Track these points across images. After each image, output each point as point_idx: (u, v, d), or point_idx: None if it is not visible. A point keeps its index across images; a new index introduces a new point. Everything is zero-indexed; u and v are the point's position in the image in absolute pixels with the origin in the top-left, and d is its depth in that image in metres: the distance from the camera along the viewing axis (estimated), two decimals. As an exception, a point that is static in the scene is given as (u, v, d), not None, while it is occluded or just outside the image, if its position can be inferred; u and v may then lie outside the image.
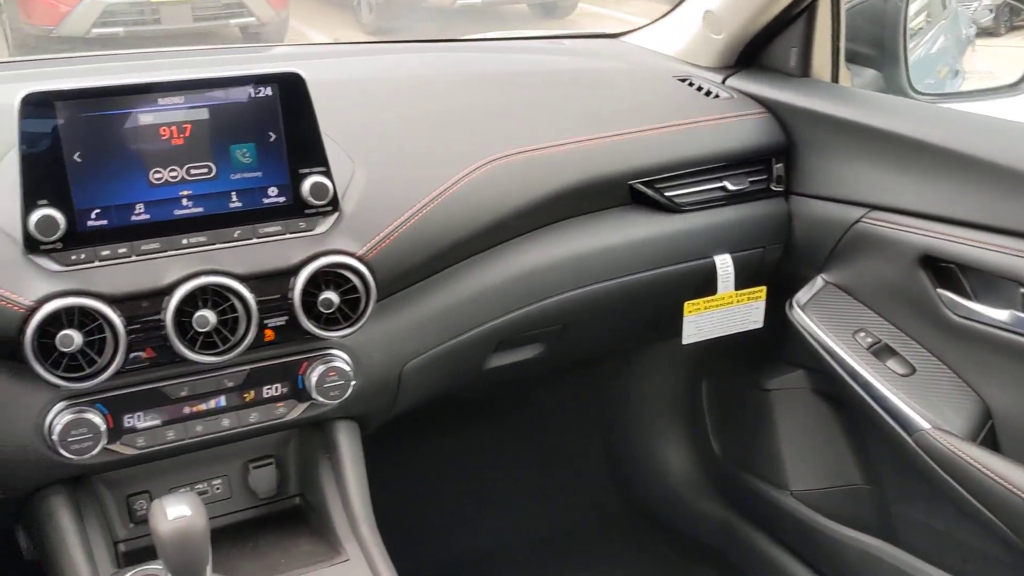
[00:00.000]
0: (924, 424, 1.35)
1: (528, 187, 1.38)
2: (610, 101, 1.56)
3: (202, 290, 1.14)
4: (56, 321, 1.08)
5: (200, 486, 1.33)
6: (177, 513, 1.02)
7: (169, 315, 1.13)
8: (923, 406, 1.37)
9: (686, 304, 1.54)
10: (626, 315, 1.58)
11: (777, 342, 1.69)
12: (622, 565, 1.92)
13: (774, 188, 1.61)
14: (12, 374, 1.12)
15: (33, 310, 1.07)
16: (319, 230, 1.22)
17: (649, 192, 1.50)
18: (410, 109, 1.42)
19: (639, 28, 1.84)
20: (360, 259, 1.22)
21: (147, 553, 1.22)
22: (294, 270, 1.19)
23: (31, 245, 1.09)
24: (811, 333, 1.53)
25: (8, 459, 1.13)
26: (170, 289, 1.13)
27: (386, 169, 1.30)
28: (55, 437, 1.11)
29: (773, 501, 1.73)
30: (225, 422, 1.22)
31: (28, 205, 1.08)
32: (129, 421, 1.17)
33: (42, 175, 1.08)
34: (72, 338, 1.08)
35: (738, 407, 1.82)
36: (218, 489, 1.34)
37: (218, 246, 1.17)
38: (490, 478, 1.94)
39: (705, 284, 1.55)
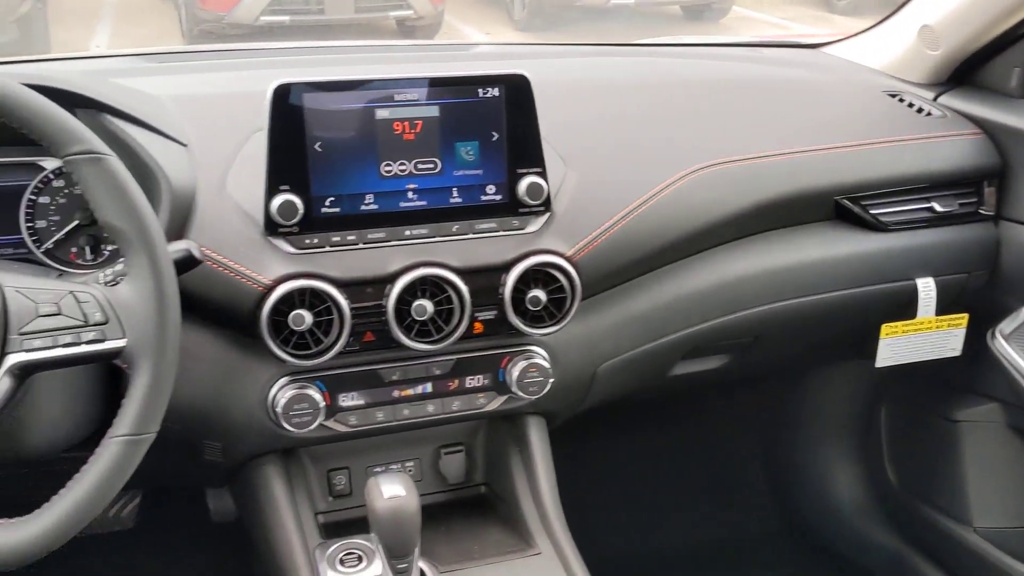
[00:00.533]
0: None
1: (735, 196, 1.37)
2: (818, 113, 1.53)
3: (422, 280, 1.19)
4: (289, 300, 1.14)
5: (394, 466, 1.38)
6: (392, 492, 1.07)
7: (391, 302, 1.18)
8: None
9: (883, 326, 1.50)
10: (819, 332, 1.55)
11: (971, 372, 1.62)
12: None
13: (984, 212, 1.54)
14: (243, 348, 1.19)
15: (270, 289, 1.14)
16: (531, 229, 1.25)
17: (855, 209, 1.46)
18: (620, 112, 1.44)
19: (840, 39, 1.80)
20: (568, 259, 1.24)
21: (344, 527, 1.28)
22: (506, 267, 1.22)
23: (271, 227, 1.16)
24: (1014, 365, 1.46)
25: (233, 427, 1.21)
26: (393, 278, 1.18)
27: (596, 172, 1.32)
28: (279, 410, 1.18)
29: (954, 536, 1.66)
30: (430, 408, 1.27)
31: (271, 190, 1.14)
32: (344, 400, 1.23)
33: (286, 162, 1.14)
34: (304, 317, 1.14)
35: (920, 435, 1.76)
36: (410, 471, 1.39)
37: (437, 239, 1.21)
38: (655, 481, 1.94)
39: (905, 307, 1.51)
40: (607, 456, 1.85)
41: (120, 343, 0.93)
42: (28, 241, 1.23)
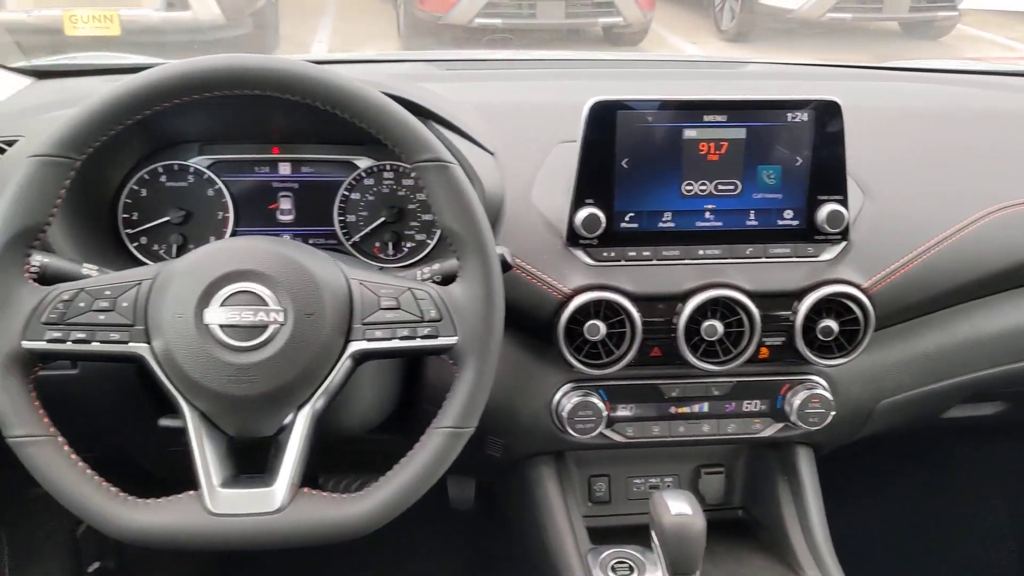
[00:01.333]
0: None
1: None
2: None
3: (714, 301, 1.19)
4: (585, 310, 1.18)
5: (653, 480, 1.39)
6: (679, 509, 1.08)
7: (682, 320, 1.19)
8: None
9: None
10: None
11: None
12: None
13: None
14: (534, 352, 1.24)
15: (569, 298, 1.17)
16: (825, 257, 1.23)
17: None
18: (921, 142, 1.39)
19: None
20: (864, 291, 1.21)
21: (602, 533, 1.31)
22: (798, 294, 1.21)
23: (573, 239, 1.19)
24: None
25: (519, 427, 1.26)
26: (686, 296, 1.19)
27: (896, 203, 1.28)
28: (564, 415, 1.21)
29: None
30: (705, 427, 1.27)
31: (577, 202, 1.18)
32: (622, 410, 1.26)
33: (594, 177, 1.18)
34: (599, 328, 1.17)
35: None
36: (668, 487, 1.39)
37: (729, 261, 1.21)
38: (900, 523, 1.86)
39: None
40: (862, 490, 1.80)
41: (452, 340, 0.99)
42: (339, 233, 1.33)
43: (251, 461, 1.01)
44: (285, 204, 1.33)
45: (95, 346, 0.95)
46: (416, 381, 1.25)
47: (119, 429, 1.25)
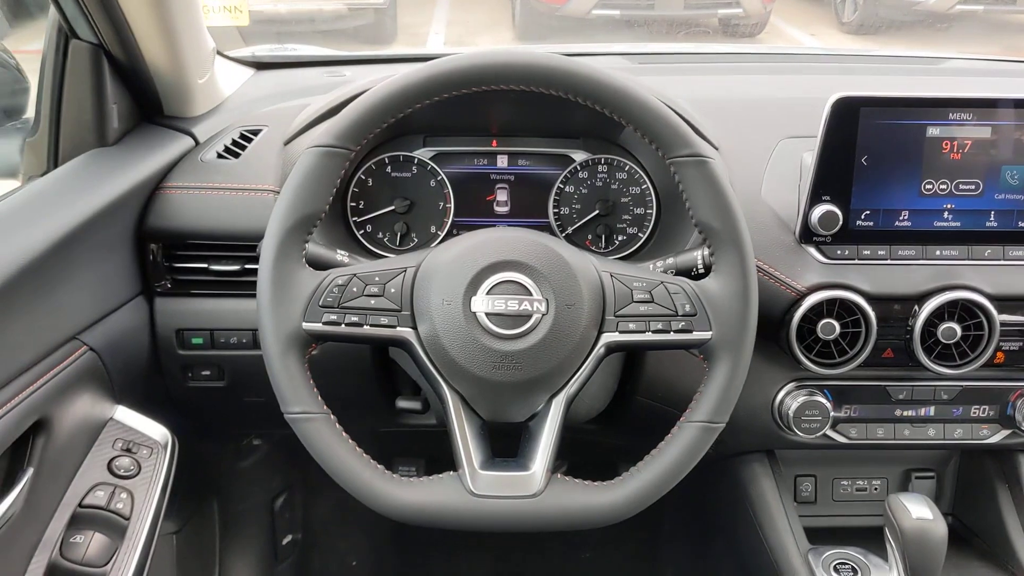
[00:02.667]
0: None
1: None
2: None
3: (952, 304, 1.17)
4: (818, 309, 1.16)
5: (860, 482, 1.37)
6: (920, 514, 1.06)
7: (919, 322, 1.16)
8: None
9: None
10: None
11: None
12: None
13: None
14: (757, 351, 1.22)
15: (803, 296, 1.16)
16: None
17: None
18: None
19: None
20: None
21: (815, 534, 1.29)
22: None
23: (806, 236, 1.18)
24: None
25: (738, 423, 1.24)
26: (923, 297, 1.17)
27: None
28: (789, 413, 1.20)
29: None
30: (931, 431, 1.25)
31: (814, 199, 1.17)
32: (846, 411, 1.24)
33: (832, 174, 1.16)
34: (833, 327, 1.16)
35: None
36: (876, 490, 1.37)
37: (967, 262, 1.19)
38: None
39: None
40: None
41: (707, 335, 0.99)
42: (553, 225, 1.34)
43: (497, 446, 1.03)
44: (502, 196, 1.36)
45: (367, 329, 0.98)
46: (633, 374, 1.25)
47: (349, 410, 1.30)
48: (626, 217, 1.34)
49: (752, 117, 1.34)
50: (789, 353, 1.18)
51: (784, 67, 1.69)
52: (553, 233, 1.35)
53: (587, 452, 1.47)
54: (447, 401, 0.99)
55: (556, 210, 1.34)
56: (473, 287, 0.98)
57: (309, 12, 6.87)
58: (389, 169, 1.34)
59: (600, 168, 1.34)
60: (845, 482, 1.37)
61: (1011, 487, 1.29)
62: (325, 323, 0.98)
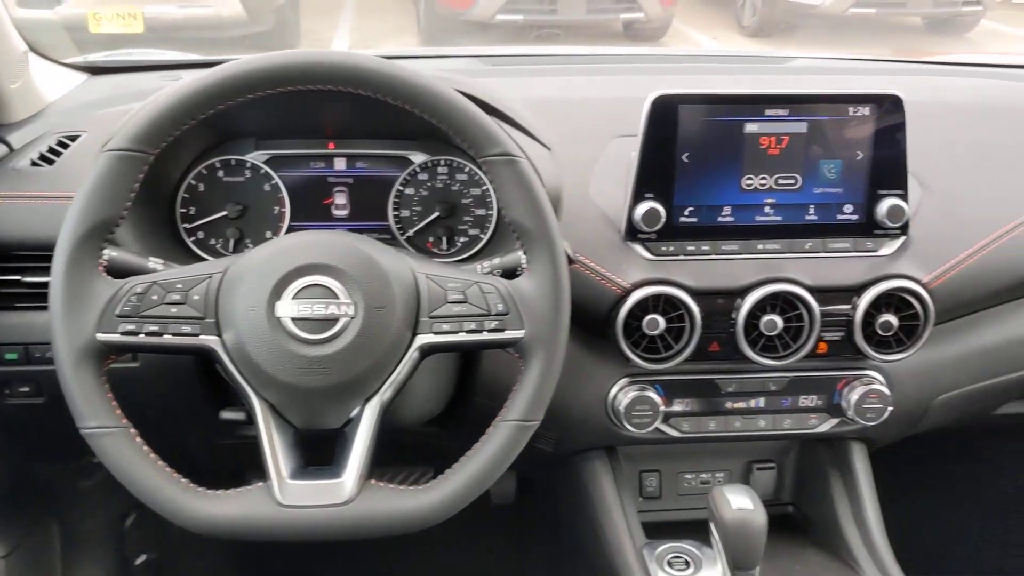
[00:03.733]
0: None
1: None
2: None
3: (773, 296, 1.19)
4: (643, 305, 1.17)
5: (704, 475, 1.39)
6: (740, 504, 1.08)
7: (742, 315, 1.18)
8: None
9: None
10: None
11: None
12: None
13: None
14: (589, 347, 1.24)
15: (628, 292, 1.17)
16: (884, 252, 1.22)
17: None
18: (980, 136, 1.38)
19: None
20: (924, 286, 1.20)
21: (654, 528, 1.30)
22: (857, 288, 1.21)
23: (631, 233, 1.19)
24: None
25: (571, 421, 1.26)
26: (745, 291, 1.19)
27: (956, 198, 1.27)
28: (620, 409, 1.21)
29: None
30: (761, 423, 1.27)
31: (637, 196, 1.18)
32: (678, 405, 1.25)
33: (654, 171, 1.17)
34: (657, 322, 1.17)
35: None
36: (719, 482, 1.39)
37: (788, 255, 1.21)
38: (952, 519, 1.85)
39: None
40: (914, 486, 1.79)
41: (519, 334, 0.99)
42: (393, 228, 1.33)
43: (315, 454, 1.01)
44: (340, 199, 1.34)
45: (167, 339, 0.95)
46: (470, 375, 1.25)
47: (176, 423, 1.26)
48: (467, 219, 1.33)
49: (587, 116, 1.35)
50: (617, 349, 1.18)
51: (636, 67, 1.71)
52: (393, 236, 1.33)
53: (437, 456, 1.46)
54: (255, 410, 0.97)
55: (396, 212, 1.33)
56: (278, 292, 0.96)
57: (206, 18, 6.70)
58: (221, 174, 1.30)
59: (440, 170, 1.33)
60: (689, 476, 1.39)
61: (843, 475, 1.32)
62: (122, 333, 0.94)
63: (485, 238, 1.33)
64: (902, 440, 1.41)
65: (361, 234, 1.31)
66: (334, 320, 0.95)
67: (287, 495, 0.94)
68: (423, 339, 0.99)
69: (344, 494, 0.95)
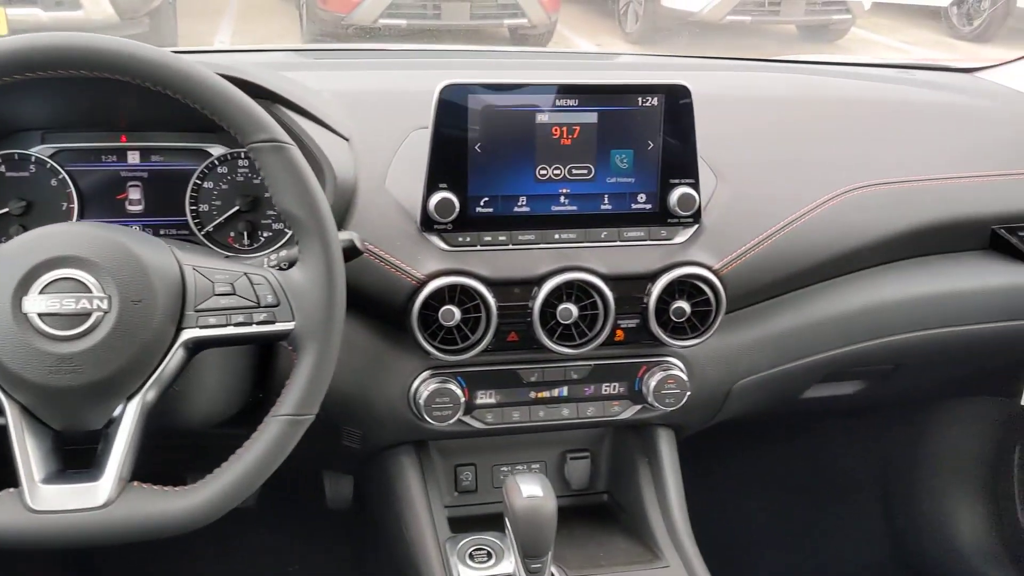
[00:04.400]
0: None
1: (887, 219, 1.34)
2: (976, 139, 1.49)
3: (568, 284, 1.20)
4: (439, 296, 1.17)
5: (520, 467, 1.39)
6: (531, 492, 1.07)
7: (537, 304, 1.19)
8: None
9: (1035, 365, 1.44)
10: (963, 365, 1.50)
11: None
12: None
13: None
14: (389, 340, 1.22)
15: (423, 283, 1.16)
16: (678, 240, 1.24)
17: (1012, 240, 1.41)
18: (774, 127, 1.42)
19: (997, 65, 1.74)
20: (715, 273, 1.23)
21: (468, 522, 1.30)
22: (652, 276, 1.22)
23: (427, 224, 1.18)
24: None
25: (375, 416, 1.24)
26: (541, 280, 1.19)
27: (748, 186, 1.31)
28: (421, 402, 1.20)
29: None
30: (565, 411, 1.28)
31: (430, 187, 1.17)
32: (482, 397, 1.25)
33: (447, 161, 1.17)
34: (453, 313, 1.16)
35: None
36: (521, 471, 1.39)
37: (585, 244, 1.22)
38: (771, 502, 1.90)
39: (1059, 345, 1.45)
40: (727, 473, 1.83)
41: (289, 326, 0.97)
42: (191, 223, 1.29)
43: (85, 458, 0.97)
44: (134, 194, 1.29)
45: None
46: (269, 370, 1.22)
47: None
48: (271, 213, 1.30)
49: (393, 108, 1.34)
50: (413, 340, 1.17)
51: (458, 62, 1.70)
52: (192, 232, 1.29)
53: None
54: (5, 412, 0.92)
55: (194, 207, 1.29)
56: (24, 286, 0.91)
57: (74, 21, 6.46)
58: (3, 168, 1.24)
59: (240, 163, 1.29)
60: (505, 468, 1.38)
61: (650, 461, 1.34)
62: None
63: (290, 232, 1.30)
64: (716, 426, 1.45)
65: (156, 231, 1.28)
66: (86, 315, 0.91)
67: (38, 500, 0.90)
68: (189, 334, 0.96)
69: (101, 497, 0.91)
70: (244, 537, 1.85)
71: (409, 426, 1.24)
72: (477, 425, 1.25)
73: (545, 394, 1.27)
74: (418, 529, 1.24)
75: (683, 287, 1.23)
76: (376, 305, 1.18)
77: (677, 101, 1.20)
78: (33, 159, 1.24)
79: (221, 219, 1.29)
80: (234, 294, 0.96)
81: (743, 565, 1.82)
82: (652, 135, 1.21)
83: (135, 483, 0.93)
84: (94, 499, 0.91)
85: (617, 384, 1.28)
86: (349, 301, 1.16)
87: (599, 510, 1.39)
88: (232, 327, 0.96)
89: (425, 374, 1.22)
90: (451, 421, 1.22)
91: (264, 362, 1.22)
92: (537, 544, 1.07)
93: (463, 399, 1.22)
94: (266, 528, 1.87)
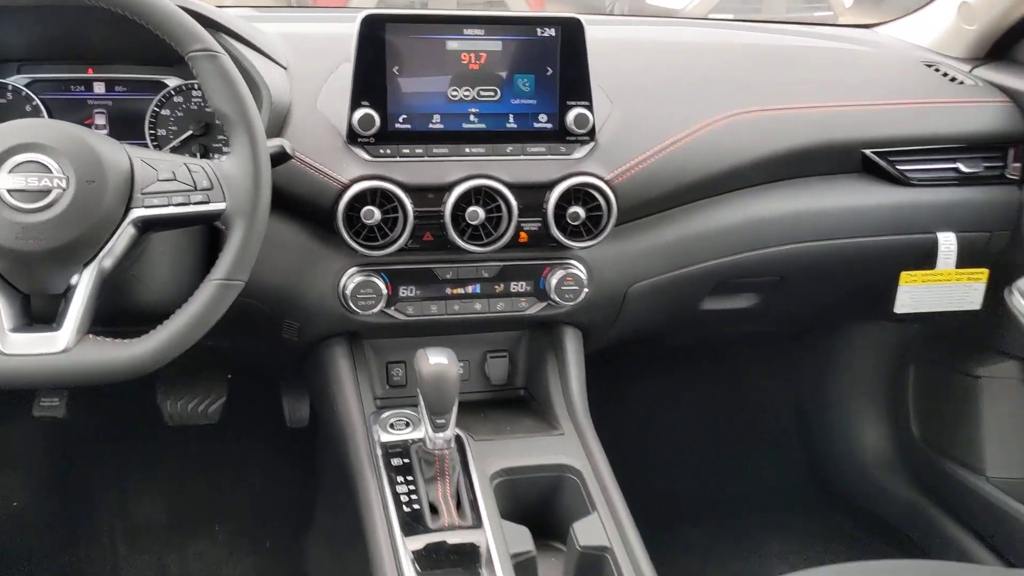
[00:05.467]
0: None
1: (764, 142, 1.52)
2: (852, 75, 1.66)
3: (476, 190, 1.37)
4: (362, 198, 1.34)
5: None
6: (437, 360, 1.25)
7: (448, 207, 1.36)
8: None
9: (903, 274, 1.61)
10: (842, 279, 1.67)
11: (992, 331, 1.72)
12: (801, 533, 1.99)
13: (1010, 176, 1.64)
14: (320, 240, 1.40)
15: (347, 187, 1.34)
16: (576, 155, 1.42)
17: (881, 163, 1.59)
18: (667, 65, 1.60)
19: (891, 20, 1.92)
20: (607, 183, 1.40)
21: (393, 404, 1.46)
22: (551, 185, 1.40)
23: (351, 137, 1.36)
24: None
25: (309, 308, 1.41)
26: (452, 186, 1.37)
27: (640, 110, 1.48)
28: (347, 293, 1.38)
29: (967, 485, 1.76)
30: (477, 306, 1.45)
31: (354, 104, 1.34)
32: (404, 292, 1.43)
33: (368, 82, 1.34)
34: (373, 212, 1.34)
35: (944, 393, 1.85)
36: (460, 371, 1.57)
37: (492, 158, 1.40)
38: (689, 425, 2.08)
39: (924, 258, 1.62)
40: (644, 398, 2.00)
41: (221, 206, 1.14)
42: (150, 145, 1.46)
43: (49, 321, 1.14)
44: (100, 120, 1.47)
45: None
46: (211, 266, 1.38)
47: None
48: (220, 137, 1.47)
49: (329, 45, 1.51)
50: (340, 237, 1.35)
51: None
52: None
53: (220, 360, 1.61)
54: None
55: (152, 132, 1.46)
56: None
57: None
58: None
59: (194, 93, 1.47)
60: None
61: (557, 356, 1.51)
62: None
63: None
64: (643, 349, 1.62)
65: None
66: (47, 191, 1.08)
67: (8, 346, 1.07)
68: (136, 212, 1.13)
69: (61, 344, 1.09)
70: (207, 454, 2.03)
71: (339, 317, 1.41)
72: (400, 317, 1.43)
73: (460, 291, 1.44)
74: (346, 406, 1.41)
75: (579, 195, 1.41)
76: (307, 208, 1.36)
77: (571, 32, 1.38)
78: (10, 87, 1.42)
79: (176, 142, 1.46)
80: (175, 179, 1.14)
81: (662, 484, 1.98)
82: (550, 62, 1.39)
83: (90, 336, 1.11)
84: (55, 345, 1.08)
85: (524, 283, 1.46)
86: (284, 206, 1.34)
87: (516, 402, 1.57)
88: (173, 207, 1.14)
89: (352, 270, 1.40)
90: (375, 311, 1.39)
91: (210, 259, 1.39)
92: (442, 402, 1.24)
93: (386, 292, 1.39)
94: (228, 443, 2.04)
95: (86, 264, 1.12)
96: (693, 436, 2.08)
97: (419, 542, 1.20)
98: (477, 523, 1.23)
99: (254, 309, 1.40)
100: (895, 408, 1.98)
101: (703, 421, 2.10)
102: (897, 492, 1.93)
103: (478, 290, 1.45)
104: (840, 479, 2.05)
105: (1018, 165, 1.64)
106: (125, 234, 1.13)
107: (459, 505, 1.26)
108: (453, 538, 1.22)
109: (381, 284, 1.39)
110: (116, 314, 1.24)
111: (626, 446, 1.49)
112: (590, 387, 1.52)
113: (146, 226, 1.15)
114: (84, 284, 1.11)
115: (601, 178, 1.40)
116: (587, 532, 1.25)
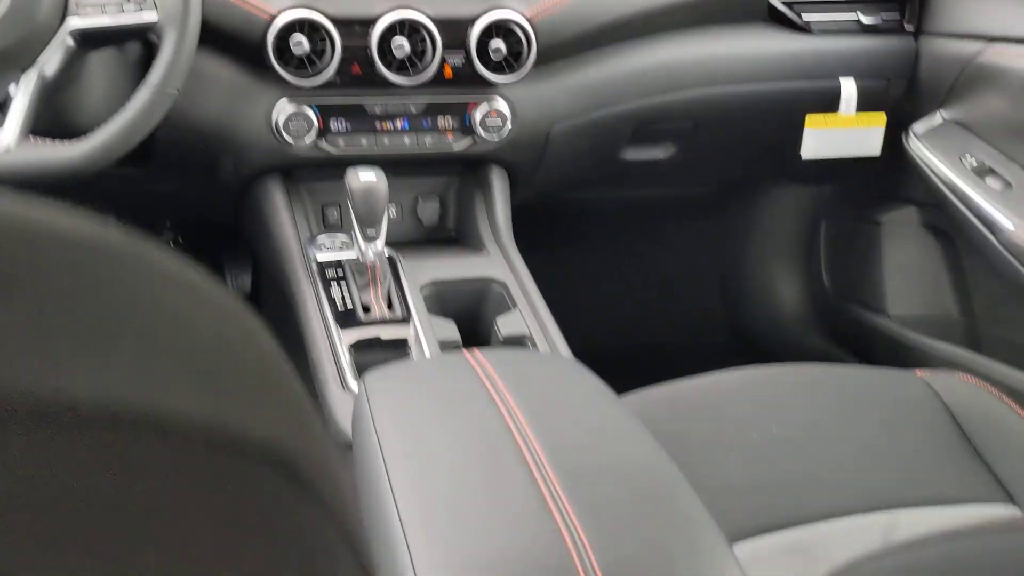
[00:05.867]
0: (1009, 225, 1.49)
1: None
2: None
3: (401, 23, 1.44)
4: (291, 29, 1.40)
5: None
6: (367, 178, 1.32)
7: (374, 38, 1.43)
8: (1014, 213, 1.51)
9: (808, 116, 1.72)
10: (753, 126, 1.77)
11: (894, 178, 1.84)
12: None
13: (907, 28, 1.76)
14: (251, 74, 1.45)
15: (274, 17, 1.40)
16: None
17: (787, 12, 1.69)
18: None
19: None
20: (528, 20, 1.48)
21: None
22: (472, 20, 1.47)
23: (280, -28, 1.41)
24: (925, 163, 1.68)
25: (243, 142, 1.47)
26: (377, 19, 1.44)
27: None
28: (279, 123, 1.44)
29: (872, 326, 1.89)
30: (406, 140, 1.52)
31: (281, -63, 1.40)
32: (335, 125, 1.49)
33: (294, -84, 1.40)
34: (301, 41, 1.40)
35: (851, 242, 1.98)
36: (393, 214, 1.64)
37: None
38: (620, 290, 2.18)
39: (828, 104, 1.73)
40: (573, 270, 2.10)
41: (153, 16, 1.20)
42: None
43: None
44: None
45: None
46: None
47: None
48: None
49: None
50: (276, 76, 1.40)
51: None
52: None
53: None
54: None
55: None
56: None
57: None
58: None
59: None
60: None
61: (484, 193, 1.60)
62: None
63: None
64: (573, 213, 1.69)
65: None
66: None
67: None
68: (72, 21, 1.18)
69: (2, 145, 1.14)
70: None
71: (273, 149, 1.47)
72: (331, 151, 1.50)
73: (388, 125, 1.52)
74: (283, 234, 1.48)
75: (500, 30, 1.48)
76: (236, 41, 1.41)
77: None
78: None
79: None
80: None
81: (594, 339, 2.09)
82: (470, -99, 1.46)
83: (33, 138, 1.16)
84: None
85: (451, 118, 1.53)
86: (213, 40, 1.39)
87: (448, 241, 1.65)
88: (107, 16, 1.19)
89: (283, 100, 1.46)
90: (307, 142, 1.46)
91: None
92: (372, 214, 1.32)
93: (317, 125, 1.46)
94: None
95: (24, 70, 1.17)
96: (618, 300, 2.18)
97: (353, 335, 1.29)
98: (407, 318, 1.32)
99: (190, 144, 1.45)
100: (809, 265, 2.10)
101: (634, 286, 2.20)
102: (810, 343, 2.05)
103: (407, 125, 1.52)
104: (758, 335, 2.18)
105: (914, 18, 1.75)
106: (63, 46, 1.18)
107: (391, 306, 1.34)
108: (385, 333, 1.30)
109: (312, 115, 1.46)
110: (55, 130, 1.29)
111: (553, 308, 1.58)
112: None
113: (83, 39, 1.20)
114: (23, 91, 1.17)
115: (521, 13, 1.48)
116: (509, 324, 1.34)
